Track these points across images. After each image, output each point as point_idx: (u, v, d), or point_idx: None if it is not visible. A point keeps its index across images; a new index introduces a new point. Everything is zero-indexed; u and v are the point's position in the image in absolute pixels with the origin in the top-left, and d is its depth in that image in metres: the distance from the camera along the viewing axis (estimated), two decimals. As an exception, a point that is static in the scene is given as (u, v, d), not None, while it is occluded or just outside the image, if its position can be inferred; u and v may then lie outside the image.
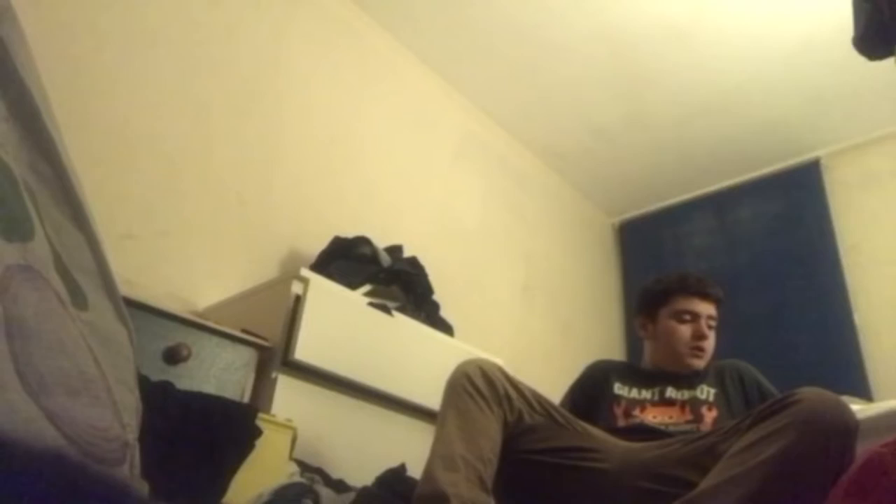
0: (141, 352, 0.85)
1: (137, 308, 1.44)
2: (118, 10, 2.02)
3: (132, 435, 0.71)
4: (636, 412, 1.62)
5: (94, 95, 1.90)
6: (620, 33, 2.84)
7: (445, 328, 2.20)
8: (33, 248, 0.66)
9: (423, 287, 2.21)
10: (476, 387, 1.30)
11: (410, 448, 1.50)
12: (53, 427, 0.58)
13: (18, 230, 0.65)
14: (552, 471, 1.35)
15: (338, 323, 1.76)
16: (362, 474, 1.42)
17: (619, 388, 1.69)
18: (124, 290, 0.86)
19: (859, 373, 2.82)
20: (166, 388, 1.29)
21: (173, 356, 1.48)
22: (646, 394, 1.67)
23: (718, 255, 3.52)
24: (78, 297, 0.72)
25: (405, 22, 2.87)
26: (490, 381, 1.32)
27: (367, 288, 2.04)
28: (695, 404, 1.61)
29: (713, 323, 1.79)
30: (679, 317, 1.77)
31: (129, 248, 1.84)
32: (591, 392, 1.74)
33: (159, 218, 1.97)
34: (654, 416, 1.60)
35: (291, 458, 1.42)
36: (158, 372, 1.42)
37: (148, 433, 0.77)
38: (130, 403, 0.73)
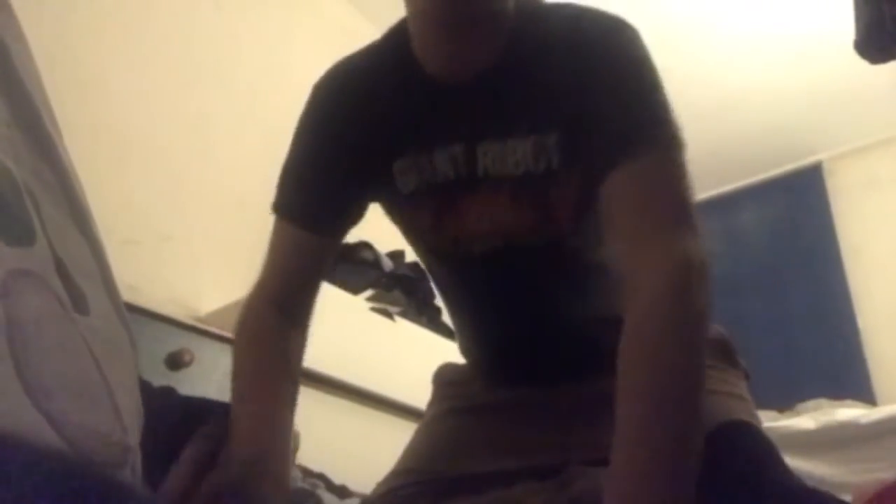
0: (143, 357, 0.84)
1: (139, 313, 1.44)
2: (121, 16, 2.02)
3: (133, 439, 0.71)
4: (448, 217, 0.94)
5: (96, 100, 1.90)
6: (621, 37, 2.84)
7: (447, 332, 2.20)
8: (35, 252, 0.66)
9: (424, 292, 2.21)
10: None
11: (413, 453, 1.49)
12: (54, 431, 0.58)
13: (20, 235, 0.65)
14: None
15: (340, 328, 1.76)
16: (365, 480, 1.42)
17: (402, 178, 0.96)
18: (126, 295, 0.86)
19: (862, 376, 2.81)
20: (168, 393, 1.28)
21: (175, 361, 1.48)
22: (446, 168, 0.92)
23: (721, 259, 3.49)
24: (79, 302, 0.72)
25: (406, 27, 2.87)
26: None
27: (368, 293, 2.04)
28: (536, 189, 0.89)
29: None
30: None
31: (131, 254, 1.84)
32: (346, 189, 1.00)
33: (161, 223, 1.97)
34: (478, 219, 0.92)
35: (293, 464, 1.41)
36: (160, 377, 1.41)
37: (149, 438, 0.77)
38: (132, 408, 0.73)
